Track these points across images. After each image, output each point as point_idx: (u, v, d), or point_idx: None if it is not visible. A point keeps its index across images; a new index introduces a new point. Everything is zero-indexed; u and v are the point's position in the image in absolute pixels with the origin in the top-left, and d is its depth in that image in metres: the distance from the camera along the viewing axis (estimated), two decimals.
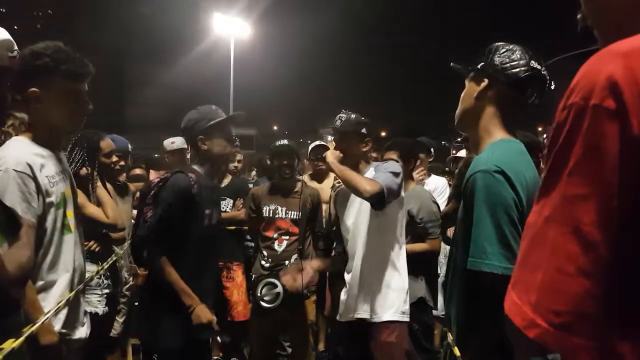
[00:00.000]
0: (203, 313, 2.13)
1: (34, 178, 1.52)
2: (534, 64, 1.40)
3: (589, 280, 0.57)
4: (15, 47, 1.46)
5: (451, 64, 1.57)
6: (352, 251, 2.46)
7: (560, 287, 0.59)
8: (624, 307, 0.57)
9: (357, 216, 2.42)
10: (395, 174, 2.28)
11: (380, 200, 2.19)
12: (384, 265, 2.37)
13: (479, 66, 1.43)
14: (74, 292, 1.78)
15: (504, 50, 1.42)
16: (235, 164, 4.16)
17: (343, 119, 2.48)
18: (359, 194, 2.20)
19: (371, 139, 2.51)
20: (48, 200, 1.57)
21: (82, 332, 1.78)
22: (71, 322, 1.72)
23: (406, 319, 2.36)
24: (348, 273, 2.47)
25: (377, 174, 2.31)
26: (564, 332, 0.58)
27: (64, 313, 1.69)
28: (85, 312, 1.90)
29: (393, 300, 2.33)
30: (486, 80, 1.41)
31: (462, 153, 4.34)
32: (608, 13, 0.69)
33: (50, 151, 1.65)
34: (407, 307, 2.37)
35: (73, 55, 1.68)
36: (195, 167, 2.31)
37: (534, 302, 0.61)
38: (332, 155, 2.38)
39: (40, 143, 1.61)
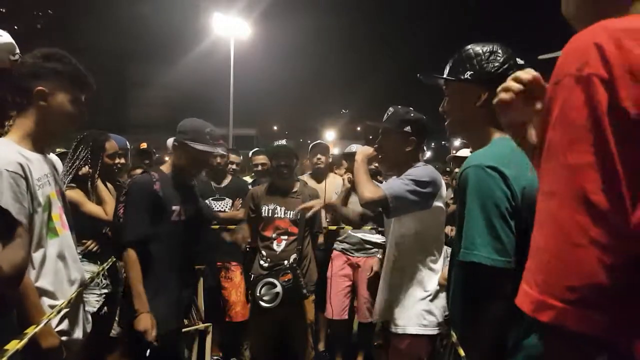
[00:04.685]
0: (143, 322, 2.17)
1: (25, 178, 1.52)
2: (518, 60, 1.42)
3: (602, 250, 0.55)
4: (17, 51, 1.47)
5: (420, 76, 1.57)
6: (385, 253, 2.40)
7: (571, 261, 0.56)
8: None
9: (392, 221, 2.30)
10: (418, 182, 2.09)
11: (385, 208, 2.08)
12: (407, 273, 2.24)
13: (468, 75, 1.44)
14: (75, 293, 1.78)
15: (488, 54, 1.43)
16: (234, 166, 4.17)
17: (389, 113, 2.31)
18: (359, 199, 2.13)
19: (417, 139, 2.28)
20: (35, 202, 1.57)
21: (80, 332, 1.78)
22: (70, 323, 1.72)
23: (426, 331, 2.18)
24: (382, 275, 2.40)
25: (395, 179, 2.19)
26: (582, 309, 0.55)
27: (62, 314, 1.69)
28: (86, 312, 1.90)
29: (410, 312, 2.20)
30: (486, 91, 1.41)
31: (463, 152, 4.33)
32: (587, 12, 0.72)
33: (37, 153, 1.65)
34: (431, 318, 2.19)
35: (76, 63, 1.72)
36: (165, 167, 2.48)
37: (541, 282, 0.59)
38: (361, 153, 2.28)
39: (26, 145, 1.61)
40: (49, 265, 1.64)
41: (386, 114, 2.33)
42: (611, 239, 0.55)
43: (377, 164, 2.62)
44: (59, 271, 1.69)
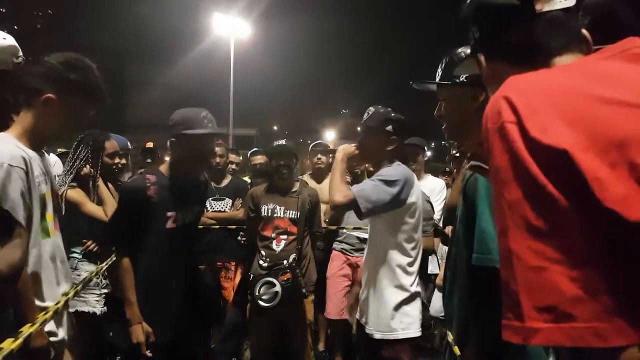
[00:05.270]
0: (135, 333, 2.12)
1: (27, 173, 1.51)
2: None
3: (563, 265, 0.59)
4: (20, 54, 1.47)
5: (413, 84, 1.59)
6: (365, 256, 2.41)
7: (539, 283, 0.60)
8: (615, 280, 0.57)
9: (369, 221, 2.33)
10: (389, 182, 2.12)
11: (356, 210, 2.09)
12: (383, 277, 2.22)
13: (464, 78, 1.43)
14: (72, 293, 1.77)
15: None
16: (234, 166, 4.17)
17: (371, 112, 2.34)
18: (329, 199, 2.15)
19: (398, 139, 2.31)
20: (34, 198, 1.56)
21: (65, 333, 1.75)
22: (56, 324, 1.70)
23: (404, 335, 2.17)
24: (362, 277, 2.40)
25: (366, 181, 2.20)
26: (568, 322, 0.58)
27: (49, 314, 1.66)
28: (70, 314, 1.87)
29: (387, 317, 2.18)
30: (482, 92, 1.39)
31: None
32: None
33: (34, 151, 1.64)
34: (408, 320, 2.18)
35: (99, 80, 1.69)
36: (164, 168, 2.31)
37: (519, 313, 0.62)
38: (342, 151, 2.31)
39: (24, 142, 1.60)
40: (40, 266, 1.63)
41: (366, 113, 2.36)
42: (565, 254, 0.59)
43: (355, 163, 2.63)
44: (49, 272, 1.67)
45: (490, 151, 0.69)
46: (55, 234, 1.72)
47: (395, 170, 2.21)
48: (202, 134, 2.18)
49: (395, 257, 2.22)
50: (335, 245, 3.82)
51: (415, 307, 2.23)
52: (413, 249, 2.25)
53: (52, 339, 1.65)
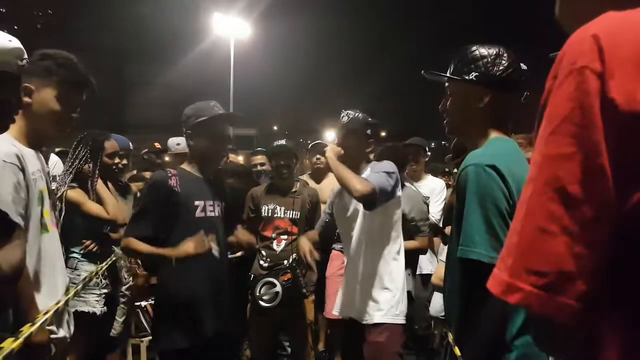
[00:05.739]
0: (186, 246, 2.01)
1: (22, 170, 1.52)
2: (521, 64, 1.44)
3: (573, 239, 0.56)
4: (25, 56, 1.47)
5: (424, 73, 1.59)
6: (347, 250, 2.47)
7: (542, 247, 0.57)
8: (613, 269, 0.56)
9: (353, 215, 2.41)
10: (389, 174, 2.25)
11: (371, 201, 2.16)
12: (376, 266, 2.34)
13: (474, 77, 1.45)
14: (72, 293, 1.78)
15: (494, 56, 1.44)
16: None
17: (350, 116, 2.44)
18: (350, 192, 2.19)
19: (375, 141, 2.48)
20: (31, 194, 1.57)
21: (65, 331, 1.76)
22: (56, 322, 1.70)
23: (399, 320, 2.31)
24: (346, 271, 2.48)
25: (371, 174, 2.29)
26: (548, 293, 0.57)
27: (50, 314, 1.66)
28: (69, 313, 1.86)
29: (384, 302, 2.29)
30: (489, 93, 1.43)
31: None
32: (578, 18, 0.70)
33: (30, 148, 1.65)
34: (401, 308, 2.32)
35: (78, 66, 1.72)
36: (185, 165, 2.31)
37: (510, 266, 0.60)
38: (331, 151, 2.36)
39: (19, 140, 1.62)
40: (40, 260, 1.63)
41: (346, 116, 2.44)
42: (582, 230, 0.56)
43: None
44: (49, 267, 1.68)
45: (553, 89, 0.61)
46: (52, 229, 1.73)
47: (389, 163, 2.36)
48: (215, 116, 2.20)
49: (390, 246, 2.36)
50: (335, 245, 3.82)
51: (404, 296, 2.37)
52: (399, 237, 2.41)
53: (52, 336, 1.65)
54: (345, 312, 2.44)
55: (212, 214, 2.22)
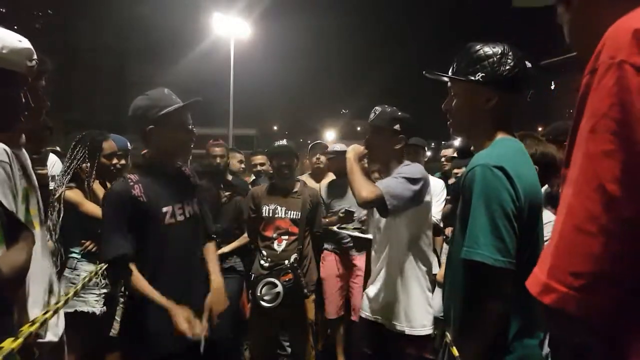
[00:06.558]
0: (179, 323, 1.82)
1: (10, 165, 1.47)
2: (526, 63, 1.42)
3: (612, 240, 0.54)
4: (35, 57, 1.45)
5: (426, 73, 1.56)
6: (376, 253, 2.38)
7: (579, 248, 0.56)
8: None
9: (387, 222, 2.29)
10: (410, 180, 2.11)
11: (381, 207, 2.07)
12: (401, 274, 2.24)
13: (480, 77, 1.42)
14: (72, 293, 1.76)
15: (500, 56, 1.41)
16: (243, 166, 4.15)
17: (377, 112, 2.31)
18: (355, 198, 2.11)
19: (405, 137, 2.31)
20: (17, 191, 1.51)
21: (52, 335, 1.70)
22: (43, 324, 1.67)
23: (425, 332, 2.21)
24: (377, 276, 2.36)
25: (388, 178, 2.18)
26: (585, 294, 0.55)
27: (35, 314, 1.61)
28: (59, 315, 1.80)
29: (416, 313, 2.21)
30: (496, 94, 1.41)
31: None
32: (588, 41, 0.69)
33: (10, 146, 1.55)
34: (430, 318, 2.23)
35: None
36: (145, 167, 2.08)
37: (549, 266, 0.58)
38: (352, 151, 2.27)
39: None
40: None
41: (373, 113, 2.33)
42: (621, 230, 0.54)
43: (365, 162, 2.60)
44: (36, 265, 1.63)
45: (592, 83, 0.58)
46: (39, 227, 1.67)
47: (416, 168, 2.22)
48: (186, 104, 1.99)
49: (418, 254, 2.25)
50: (327, 245, 3.82)
51: (434, 303, 2.28)
52: (428, 245, 2.29)
53: (38, 340, 1.61)
54: (372, 314, 2.36)
55: (182, 217, 2.03)
